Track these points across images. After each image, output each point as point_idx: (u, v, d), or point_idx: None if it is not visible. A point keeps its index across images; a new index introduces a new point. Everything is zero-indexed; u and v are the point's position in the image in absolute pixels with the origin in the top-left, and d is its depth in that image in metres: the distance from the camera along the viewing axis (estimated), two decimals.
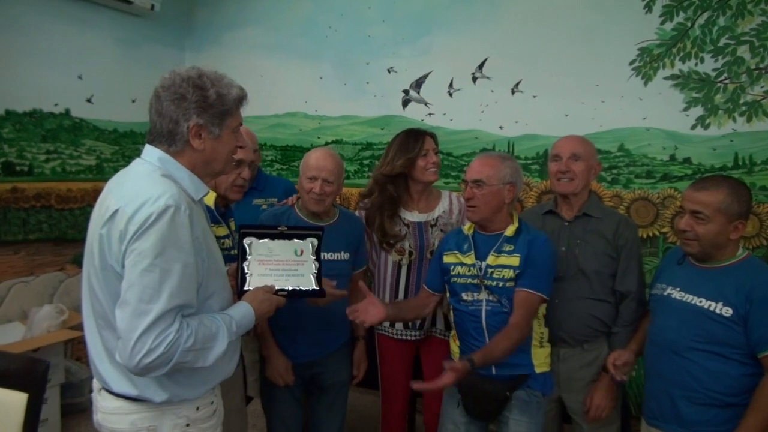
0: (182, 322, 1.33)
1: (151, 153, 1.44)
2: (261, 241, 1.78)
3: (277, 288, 1.69)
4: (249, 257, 1.76)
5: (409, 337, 2.47)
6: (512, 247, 2.00)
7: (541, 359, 2.04)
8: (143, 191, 1.33)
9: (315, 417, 2.42)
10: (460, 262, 2.09)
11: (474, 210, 2.04)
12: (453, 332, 2.19)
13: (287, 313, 1.99)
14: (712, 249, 1.78)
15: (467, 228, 2.15)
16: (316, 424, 2.42)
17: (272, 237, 1.80)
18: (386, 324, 2.47)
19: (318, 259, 1.81)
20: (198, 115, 1.40)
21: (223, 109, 1.44)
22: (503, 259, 2.00)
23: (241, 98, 1.50)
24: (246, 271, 1.75)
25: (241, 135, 1.68)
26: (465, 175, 2.09)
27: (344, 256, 2.28)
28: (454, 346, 2.16)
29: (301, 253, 1.81)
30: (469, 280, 2.05)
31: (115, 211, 1.34)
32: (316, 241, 1.82)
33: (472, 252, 2.06)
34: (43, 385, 1.63)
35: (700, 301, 1.77)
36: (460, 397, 2.05)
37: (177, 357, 1.31)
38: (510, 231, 2.04)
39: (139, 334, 1.27)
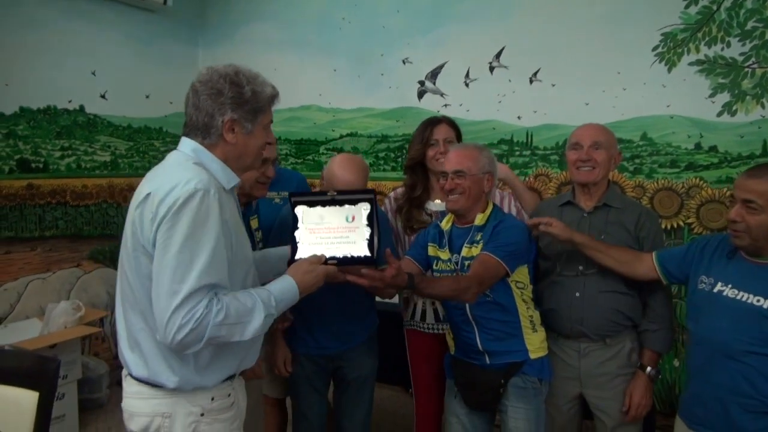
0: (212, 299, 1.37)
1: (185, 144, 1.51)
2: (312, 209, 1.72)
3: (327, 256, 1.64)
4: (300, 226, 1.71)
5: (440, 331, 2.40)
6: (481, 235, 2.01)
7: (536, 344, 2.02)
8: (175, 177, 1.40)
9: (339, 411, 2.39)
10: (438, 256, 2.10)
11: (455, 200, 2.03)
12: (448, 327, 2.18)
13: (308, 303, 1.90)
14: (765, 242, 1.66)
15: (445, 222, 2.15)
16: (339, 418, 2.38)
17: (323, 204, 1.72)
18: (417, 318, 2.42)
19: (371, 224, 1.71)
20: (233, 111, 1.46)
21: (256, 106, 1.50)
22: (475, 250, 1.99)
23: (274, 97, 1.56)
24: (297, 240, 1.70)
25: (271, 132, 1.69)
26: (443, 167, 2.08)
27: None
28: (450, 341, 2.15)
29: (353, 219, 1.71)
30: (449, 274, 2.04)
31: (148, 195, 1.40)
32: (368, 206, 1.72)
33: (447, 247, 2.06)
34: (54, 384, 1.61)
35: (758, 300, 1.66)
36: (457, 389, 2.07)
37: (209, 332, 1.35)
38: (479, 220, 2.03)
39: (170, 313, 1.33)
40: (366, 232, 1.70)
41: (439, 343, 2.36)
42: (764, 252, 1.69)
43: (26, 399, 1.58)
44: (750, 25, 2.83)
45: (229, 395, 1.54)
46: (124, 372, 1.54)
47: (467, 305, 1.98)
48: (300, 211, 1.72)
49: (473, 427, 2.11)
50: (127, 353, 1.50)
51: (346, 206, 1.72)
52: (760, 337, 1.63)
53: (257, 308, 1.44)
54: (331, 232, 1.70)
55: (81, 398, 3.30)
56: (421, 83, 3.71)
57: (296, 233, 1.70)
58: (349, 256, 1.67)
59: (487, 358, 2.01)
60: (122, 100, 3.99)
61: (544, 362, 2.05)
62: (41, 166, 3.57)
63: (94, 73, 3.81)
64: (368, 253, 1.68)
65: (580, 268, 2.08)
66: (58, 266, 3.66)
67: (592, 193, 2.12)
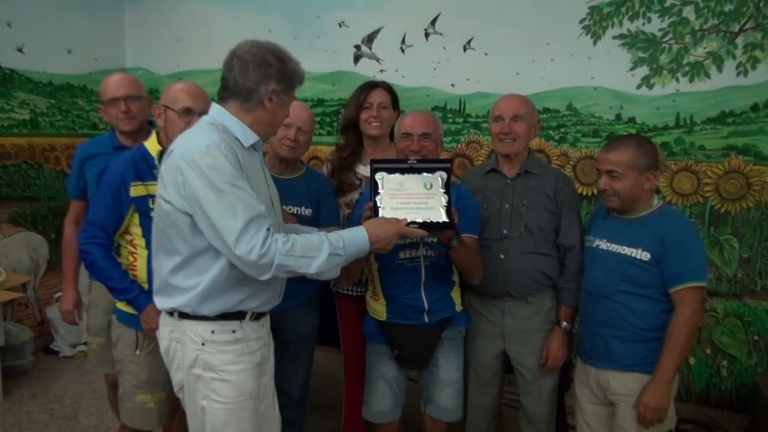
0: (270, 228, 1.54)
1: (213, 108, 1.70)
2: (391, 175, 1.83)
3: (408, 220, 1.76)
4: (381, 191, 1.82)
5: (358, 293, 2.46)
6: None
7: (458, 299, 2.17)
8: (193, 139, 1.60)
9: (278, 371, 2.41)
10: None
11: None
12: (372, 291, 2.19)
13: None
14: (631, 201, 1.98)
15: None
16: (280, 378, 2.42)
17: (402, 171, 1.84)
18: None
19: (447, 192, 1.82)
20: (277, 82, 1.64)
21: (293, 81, 1.70)
22: None
23: (303, 77, 1.75)
24: (378, 204, 1.81)
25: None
26: (406, 128, 2.13)
27: (306, 211, 2.28)
28: (378, 305, 2.16)
29: (431, 187, 1.82)
30: (407, 240, 2.04)
31: (171, 151, 1.63)
32: (445, 175, 1.83)
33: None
34: None
35: (623, 249, 1.99)
36: (396, 352, 2.13)
37: (278, 258, 1.52)
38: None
39: (234, 245, 1.50)
40: (443, 198, 1.82)
41: (362, 304, 2.41)
42: (631, 210, 2.00)
43: None
44: (669, 2, 2.98)
45: (234, 331, 1.67)
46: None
47: (422, 270, 2.06)
48: (380, 176, 1.83)
49: (397, 385, 2.20)
50: (154, 288, 1.74)
51: (424, 174, 1.84)
52: (627, 280, 1.96)
53: (324, 246, 1.59)
54: (411, 198, 1.82)
55: (4, 365, 3.20)
56: (357, 47, 3.69)
57: (377, 198, 1.82)
58: (429, 221, 1.80)
59: (426, 317, 2.08)
60: (42, 54, 3.76)
61: (465, 314, 2.21)
62: None
63: (9, 25, 3.56)
64: (446, 219, 1.81)
65: (504, 231, 2.19)
66: None
67: (514, 162, 2.23)
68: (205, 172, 1.52)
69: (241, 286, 1.65)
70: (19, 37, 3.62)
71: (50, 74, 3.87)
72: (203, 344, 1.65)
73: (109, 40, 4.29)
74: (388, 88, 2.55)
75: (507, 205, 2.20)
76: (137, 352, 2.06)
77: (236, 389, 1.66)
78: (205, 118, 1.70)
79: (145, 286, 2.00)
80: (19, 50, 3.65)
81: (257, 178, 1.70)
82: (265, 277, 1.56)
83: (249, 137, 1.68)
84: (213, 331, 1.65)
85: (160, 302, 1.72)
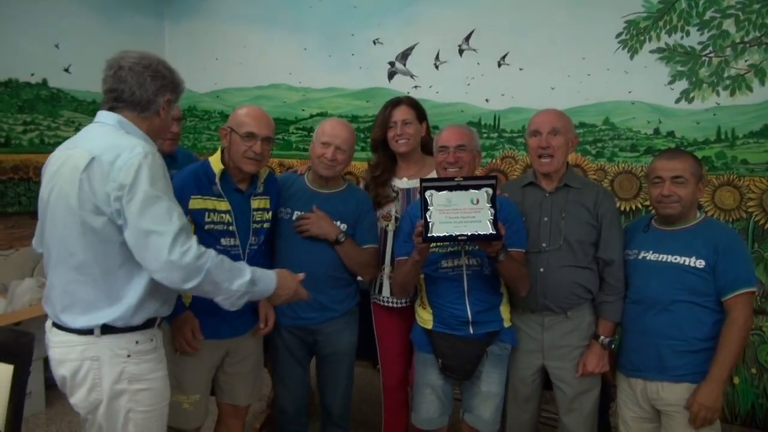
0: (198, 239, 1.60)
1: (108, 117, 1.68)
2: (440, 192, 1.93)
3: (456, 233, 1.88)
4: (431, 207, 1.92)
5: (397, 304, 2.46)
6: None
7: (507, 315, 2.18)
8: (116, 143, 1.59)
9: (319, 385, 2.47)
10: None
11: (458, 173, 2.14)
12: (420, 300, 2.22)
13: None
14: (689, 209, 2.04)
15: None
16: (320, 393, 2.47)
17: (450, 189, 1.94)
18: (378, 291, 2.48)
19: (494, 206, 1.91)
20: (170, 92, 1.74)
21: (181, 90, 1.80)
22: None
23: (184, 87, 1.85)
24: (429, 219, 1.90)
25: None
26: (442, 142, 2.18)
27: (342, 226, 2.30)
28: (425, 314, 2.19)
29: (477, 202, 1.92)
30: (449, 248, 2.10)
31: (92, 159, 1.56)
32: (491, 190, 1.92)
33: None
34: (29, 357, 1.62)
35: (676, 258, 2.01)
36: (441, 361, 2.15)
37: (209, 266, 1.57)
38: None
39: (168, 250, 1.52)
40: (489, 212, 1.91)
41: (402, 317, 2.43)
42: (685, 218, 2.05)
43: (1, 372, 1.58)
44: (708, 15, 2.95)
45: (152, 340, 1.72)
46: (48, 324, 1.70)
47: (465, 279, 2.09)
48: (429, 194, 1.93)
49: (444, 394, 2.21)
50: (58, 308, 1.64)
51: (471, 190, 1.93)
52: (683, 288, 1.98)
53: (247, 271, 1.68)
54: (459, 213, 1.92)
55: (47, 376, 3.27)
56: (392, 64, 3.73)
57: (427, 214, 1.91)
58: (476, 233, 1.89)
59: (471, 329, 2.09)
60: (87, 74, 3.88)
61: (513, 330, 2.20)
62: (2, 141, 3.48)
63: (57, 46, 3.71)
64: (493, 231, 1.89)
65: (543, 245, 2.17)
66: (20, 243, 3.59)
67: (553, 176, 2.22)
68: (145, 177, 1.53)
69: (159, 293, 1.68)
70: (65, 58, 3.76)
71: (94, 93, 4.00)
72: (129, 356, 1.65)
73: None
74: (412, 103, 2.57)
75: (546, 218, 2.19)
76: (177, 354, 2.10)
77: (158, 396, 1.73)
78: (104, 126, 1.67)
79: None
80: (66, 70, 3.79)
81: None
82: (190, 284, 1.56)
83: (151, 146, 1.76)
84: (137, 342, 1.67)
85: (71, 320, 1.62)
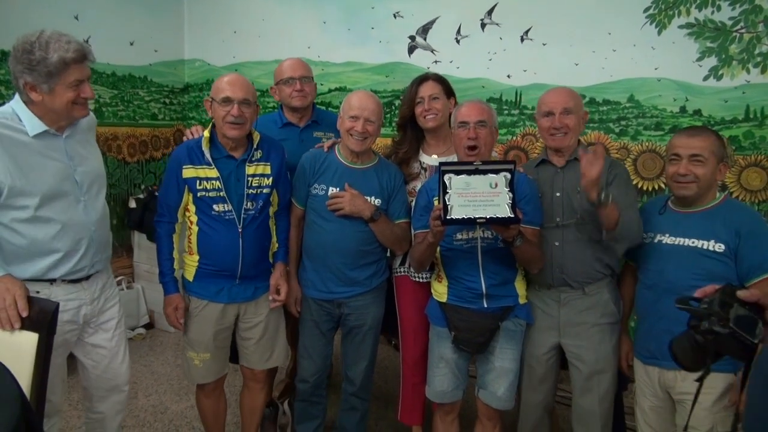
0: None
1: (14, 98, 1.80)
2: (459, 176, 1.94)
3: (475, 216, 1.89)
4: (449, 191, 1.93)
5: (420, 279, 2.47)
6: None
7: (523, 291, 2.19)
8: None
9: (344, 358, 2.53)
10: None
11: (477, 150, 2.14)
12: (437, 272, 2.24)
13: (319, 248, 2.32)
14: (707, 190, 1.96)
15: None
16: (344, 365, 2.54)
17: (468, 173, 1.94)
18: (404, 263, 2.49)
19: (512, 190, 1.92)
20: (28, 74, 1.71)
21: (47, 69, 1.71)
22: None
23: (67, 60, 1.72)
24: (448, 203, 1.92)
25: (86, 87, 1.83)
26: (462, 117, 2.17)
27: (375, 201, 2.31)
28: (441, 287, 2.22)
29: (496, 186, 1.93)
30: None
31: None
32: (509, 175, 1.93)
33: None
34: (53, 326, 1.64)
35: (693, 242, 1.94)
36: (454, 334, 2.17)
37: None
38: None
39: None
40: (508, 196, 1.92)
41: (424, 292, 2.42)
42: (701, 200, 1.98)
43: (26, 341, 1.61)
44: None
45: (38, 292, 1.82)
46: None
47: (479, 252, 2.10)
48: (448, 178, 1.94)
49: (458, 368, 2.23)
50: None
51: (489, 175, 1.94)
52: (701, 273, 1.88)
53: None
54: (478, 196, 1.93)
55: None
56: (412, 38, 3.67)
57: (446, 197, 1.93)
58: (495, 216, 1.90)
59: (485, 302, 2.11)
60: (106, 46, 3.89)
61: (528, 307, 2.20)
62: None
63: (76, 18, 3.70)
64: (512, 215, 1.90)
65: (558, 219, 2.16)
66: None
67: (564, 151, 2.21)
68: None
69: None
70: (85, 30, 3.76)
71: (113, 65, 4.01)
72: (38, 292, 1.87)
73: (169, 33, 4.41)
74: (438, 79, 2.54)
75: (558, 194, 2.18)
76: (189, 313, 2.28)
77: None
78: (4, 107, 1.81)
79: (196, 258, 2.23)
80: (85, 42, 3.78)
81: (39, 164, 1.78)
82: None
83: (36, 127, 1.79)
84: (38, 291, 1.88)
85: None
